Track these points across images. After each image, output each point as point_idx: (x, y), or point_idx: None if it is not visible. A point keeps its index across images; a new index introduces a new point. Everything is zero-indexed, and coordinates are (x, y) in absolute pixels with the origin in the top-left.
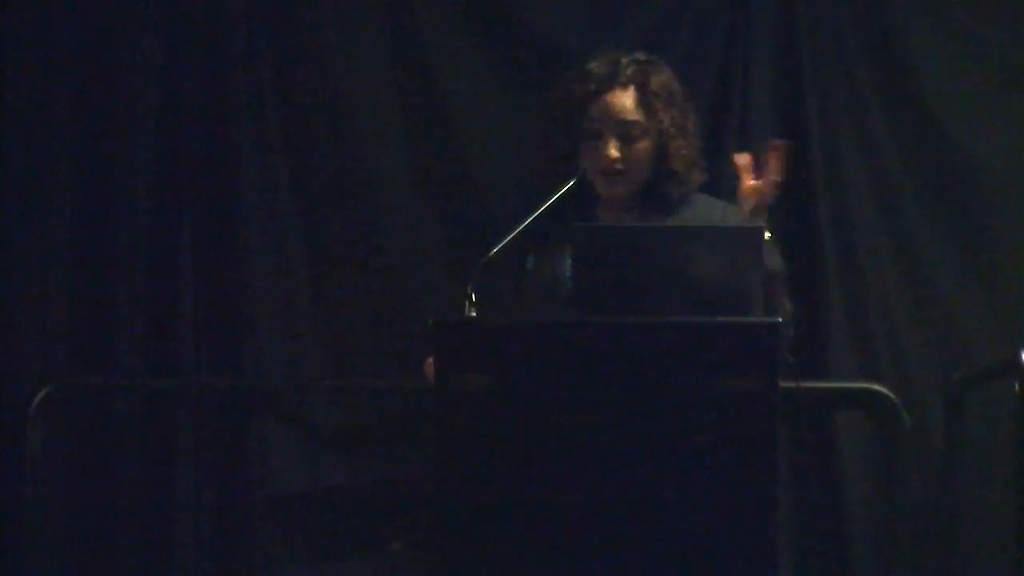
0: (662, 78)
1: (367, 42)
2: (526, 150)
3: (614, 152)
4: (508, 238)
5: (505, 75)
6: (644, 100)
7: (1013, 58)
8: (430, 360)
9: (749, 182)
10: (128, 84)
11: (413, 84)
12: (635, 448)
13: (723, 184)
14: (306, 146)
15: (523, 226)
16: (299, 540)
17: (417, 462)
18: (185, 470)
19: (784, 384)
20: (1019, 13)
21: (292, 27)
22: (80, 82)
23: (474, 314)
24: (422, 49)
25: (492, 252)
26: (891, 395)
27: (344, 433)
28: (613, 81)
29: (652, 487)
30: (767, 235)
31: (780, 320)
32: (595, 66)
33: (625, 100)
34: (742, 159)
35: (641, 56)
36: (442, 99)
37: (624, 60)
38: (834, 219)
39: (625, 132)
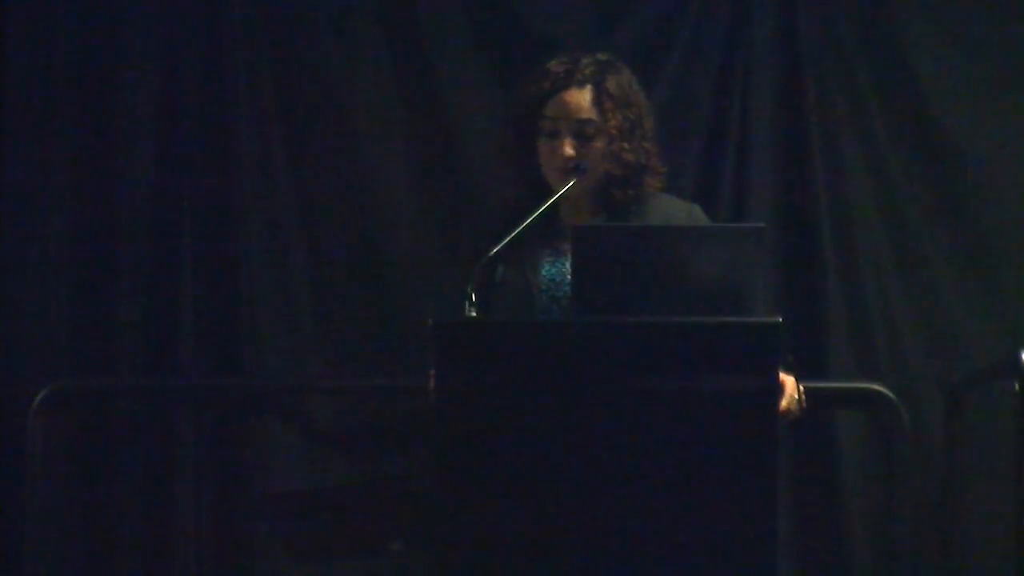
0: (619, 79)
1: (367, 42)
2: None
3: (570, 150)
4: (508, 238)
5: (505, 75)
6: (599, 99)
7: (1013, 58)
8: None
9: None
10: (128, 85)
11: (413, 84)
12: (635, 448)
13: (723, 183)
14: (306, 146)
15: (523, 226)
16: (299, 540)
17: (417, 462)
18: (185, 470)
19: None
20: (1019, 13)
21: (292, 27)
22: (80, 83)
23: (474, 314)
24: (422, 49)
25: (492, 252)
26: (891, 395)
27: (344, 433)
28: (570, 79)
29: (652, 487)
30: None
31: (780, 320)
32: (553, 64)
33: (581, 99)
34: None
35: (602, 56)
36: (442, 99)
37: (584, 60)
38: (834, 219)
39: (581, 130)
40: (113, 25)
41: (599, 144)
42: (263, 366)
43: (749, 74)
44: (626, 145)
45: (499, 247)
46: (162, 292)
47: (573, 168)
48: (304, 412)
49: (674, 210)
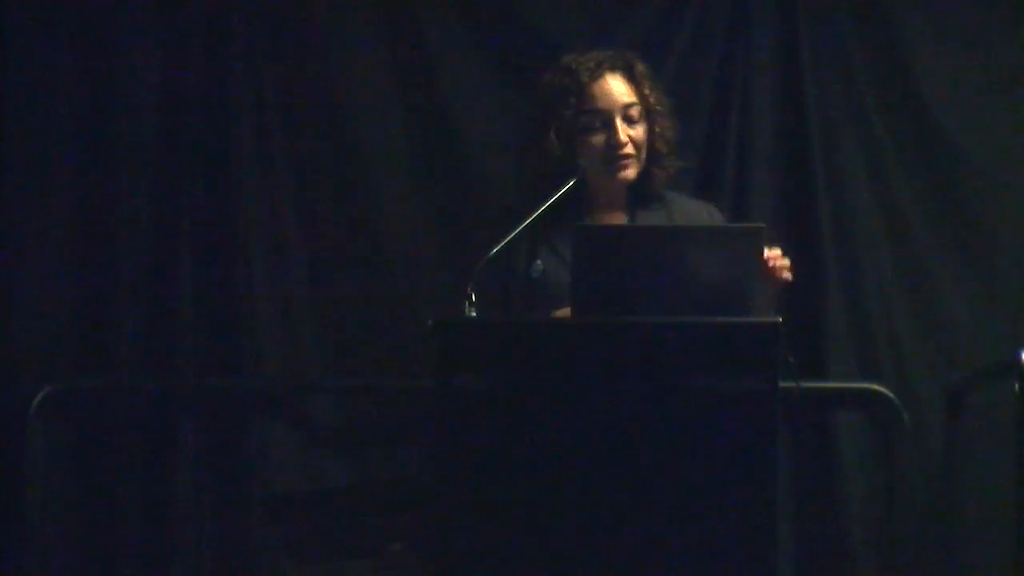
0: (642, 63)
1: (367, 41)
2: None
3: (625, 136)
4: (508, 238)
5: (505, 74)
6: (636, 81)
7: (1013, 58)
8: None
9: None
10: (128, 84)
11: (413, 83)
12: (635, 447)
13: (723, 183)
14: (306, 145)
15: (523, 226)
16: (299, 540)
17: (417, 462)
18: (185, 470)
19: (784, 384)
20: (1019, 13)
21: (292, 26)
22: (80, 81)
23: (474, 314)
24: (422, 48)
25: (492, 252)
26: (891, 395)
27: (344, 433)
28: (602, 69)
29: (652, 486)
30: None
31: (780, 320)
32: (574, 59)
33: (621, 83)
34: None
35: (611, 50)
36: (442, 98)
37: (602, 53)
38: (834, 219)
39: (627, 114)
40: (113, 25)
41: (643, 127)
42: (263, 366)
43: (749, 74)
44: (666, 122)
45: (497, 248)
46: (162, 292)
47: (631, 155)
48: (304, 412)
49: (695, 210)
